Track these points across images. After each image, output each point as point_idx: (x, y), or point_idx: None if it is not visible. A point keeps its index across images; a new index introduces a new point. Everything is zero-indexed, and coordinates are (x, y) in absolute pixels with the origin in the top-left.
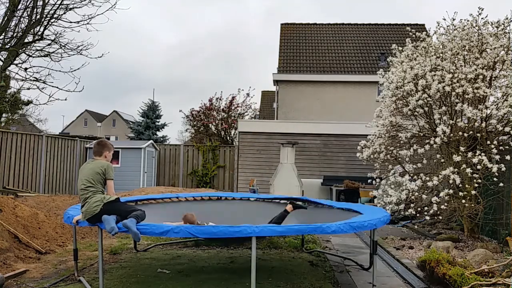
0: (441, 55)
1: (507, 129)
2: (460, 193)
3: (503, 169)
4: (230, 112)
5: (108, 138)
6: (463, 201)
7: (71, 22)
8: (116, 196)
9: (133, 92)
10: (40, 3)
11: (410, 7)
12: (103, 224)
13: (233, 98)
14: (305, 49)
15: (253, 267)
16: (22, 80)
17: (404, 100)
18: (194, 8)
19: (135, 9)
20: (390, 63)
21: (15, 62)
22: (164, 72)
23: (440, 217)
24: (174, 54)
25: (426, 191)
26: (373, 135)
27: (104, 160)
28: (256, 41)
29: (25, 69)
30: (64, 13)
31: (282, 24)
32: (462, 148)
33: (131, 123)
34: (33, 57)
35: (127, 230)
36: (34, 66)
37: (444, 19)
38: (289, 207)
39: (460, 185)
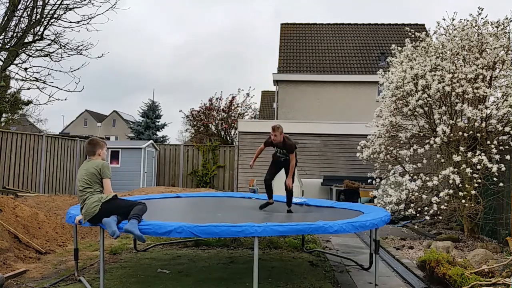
0: (441, 55)
1: (507, 129)
2: (460, 193)
3: (503, 169)
4: (230, 112)
5: (108, 138)
6: (463, 201)
7: (71, 22)
8: (114, 194)
9: (133, 92)
10: (40, 3)
11: (417, 8)
12: (105, 227)
13: (233, 98)
14: (305, 49)
15: (255, 266)
16: (22, 80)
17: (404, 100)
18: (195, 8)
19: (137, 9)
20: (390, 63)
21: (15, 62)
22: (164, 72)
23: (440, 217)
24: (175, 54)
25: (426, 191)
26: (373, 135)
27: (98, 158)
28: (257, 41)
29: (25, 69)
30: (64, 13)
31: (282, 24)
32: (462, 148)
33: (131, 123)
34: (33, 57)
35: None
36: (34, 66)
37: (444, 19)
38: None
39: (460, 185)
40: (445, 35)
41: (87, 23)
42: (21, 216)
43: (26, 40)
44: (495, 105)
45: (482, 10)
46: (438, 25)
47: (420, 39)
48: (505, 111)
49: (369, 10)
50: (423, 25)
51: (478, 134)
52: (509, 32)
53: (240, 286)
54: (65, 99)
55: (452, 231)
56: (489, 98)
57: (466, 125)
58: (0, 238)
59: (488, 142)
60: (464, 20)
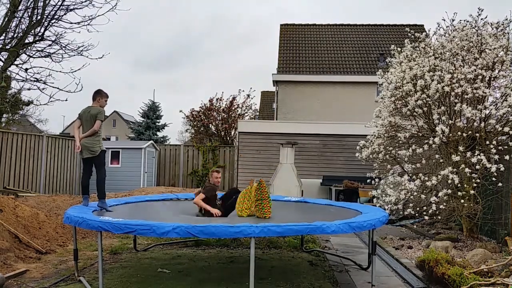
0: (440, 55)
1: (506, 129)
2: (459, 193)
3: (502, 169)
4: (230, 113)
5: (109, 139)
6: (462, 201)
7: (71, 23)
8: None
9: (133, 92)
10: (40, 4)
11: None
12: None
13: (234, 98)
14: (305, 49)
15: (252, 267)
16: (23, 80)
17: (403, 101)
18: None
19: (134, 8)
20: (389, 63)
21: (16, 62)
22: (165, 72)
23: (439, 217)
24: (175, 53)
25: (425, 191)
26: (372, 135)
27: (97, 105)
28: (257, 41)
29: (26, 69)
30: (65, 14)
31: (281, 25)
32: (461, 148)
33: (131, 123)
34: (34, 57)
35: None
36: (34, 67)
37: (444, 20)
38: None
39: (459, 185)
40: (445, 36)
41: (88, 24)
42: (22, 216)
43: (26, 41)
44: (494, 105)
45: (482, 11)
46: (439, 26)
47: (420, 39)
48: (504, 111)
49: (375, 12)
50: (422, 25)
51: (477, 134)
52: (508, 33)
53: (240, 285)
54: (66, 100)
55: (451, 231)
56: (488, 99)
57: (465, 125)
58: (0, 238)
59: (487, 142)
60: (464, 21)
